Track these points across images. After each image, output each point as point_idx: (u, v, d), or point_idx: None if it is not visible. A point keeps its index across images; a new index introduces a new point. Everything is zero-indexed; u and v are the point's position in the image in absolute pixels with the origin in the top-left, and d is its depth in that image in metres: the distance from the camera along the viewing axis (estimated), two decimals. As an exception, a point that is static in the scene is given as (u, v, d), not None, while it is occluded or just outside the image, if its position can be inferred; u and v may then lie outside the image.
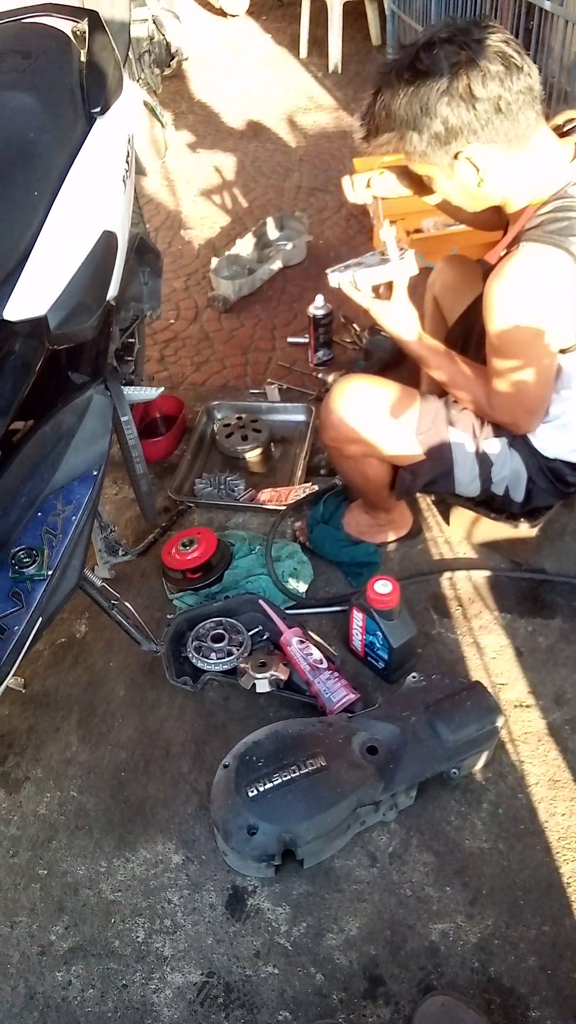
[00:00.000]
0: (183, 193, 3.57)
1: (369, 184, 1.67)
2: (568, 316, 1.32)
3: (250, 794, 1.29)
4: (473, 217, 1.62)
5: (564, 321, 1.33)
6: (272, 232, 3.08)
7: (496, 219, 1.53)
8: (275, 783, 1.30)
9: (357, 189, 1.68)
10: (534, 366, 1.36)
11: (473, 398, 1.50)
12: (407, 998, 1.19)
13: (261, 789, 1.29)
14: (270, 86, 4.52)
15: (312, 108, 4.23)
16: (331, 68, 4.55)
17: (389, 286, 1.51)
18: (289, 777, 1.31)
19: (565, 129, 1.42)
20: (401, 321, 1.51)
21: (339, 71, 4.54)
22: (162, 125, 3.88)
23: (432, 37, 1.25)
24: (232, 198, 3.51)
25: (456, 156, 1.30)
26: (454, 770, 1.39)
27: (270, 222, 3.07)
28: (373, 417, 1.56)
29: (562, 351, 1.39)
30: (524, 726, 1.52)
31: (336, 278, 1.52)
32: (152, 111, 3.79)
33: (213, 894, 1.33)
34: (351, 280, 1.49)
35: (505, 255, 1.36)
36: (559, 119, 1.45)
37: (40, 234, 1.22)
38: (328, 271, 1.54)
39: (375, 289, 1.51)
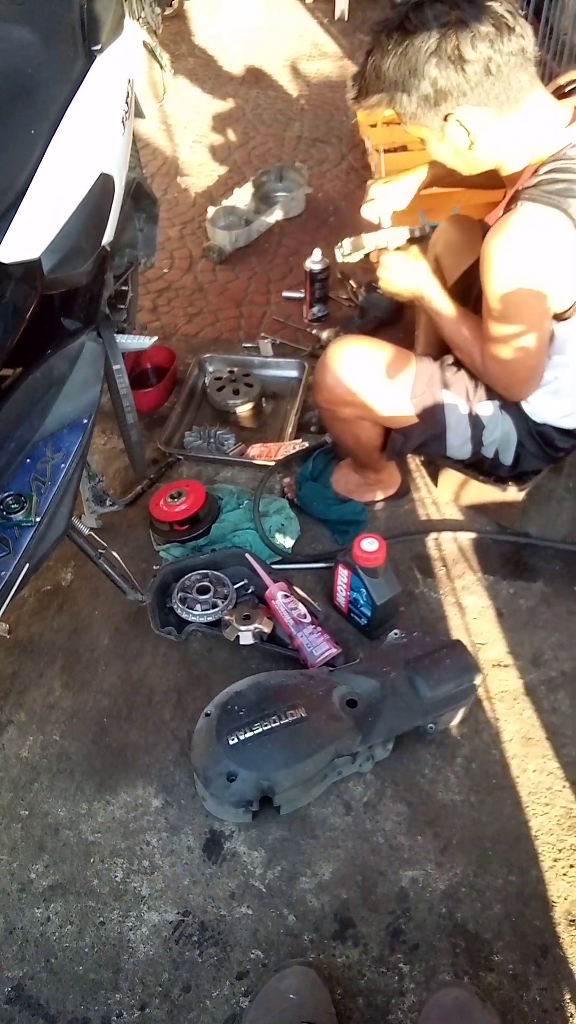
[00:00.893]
0: (180, 139, 3.50)
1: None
2: (564, 278, 1.31)
3: (231, 742, 1.31)
4: (471, 179, 1.60)
5: (560, 283, 1.32)
6: (271, 183, 3.03)
7: (494, 179, 1.52)
8: (255, 732, 1.32)
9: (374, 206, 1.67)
10: (530, 330, 1.36)
11: (470, 360, 1.50)
12: (375, 940, 1.24)
13: (242, 737, 1.32)
14: (273, 31, 4.40)
15: (316, 55, 4.12)
16: (337, 15, 4.43)
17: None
18: (270, 727, 1.33)
19: (567, 89, 1.40)
20: (407, 273, 1.52)
21: (345, 18, 4.42)
22: (161, 67, 3.79)
23: None
24: (231, 146, 3.44)
25: (446, 118, 1.29)
26: (431, 725, 1.42)
27: (269, 172, 3.01)
28: (368, 379, 1.56)
29: (556, 317, 1.38)
30: (501, 685, 1.55)
31: (338, 252, 1.59)
32: (151, 52, 3.69)
33: (191, 837, 1.36)
34: (352, 244, 1.55)
35: (503, 215, 1.35)
36: (562, 79, 1.43)
37: (36, 174, 1.19)
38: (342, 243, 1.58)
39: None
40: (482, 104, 1.25)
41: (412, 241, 1.57)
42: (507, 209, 1.34)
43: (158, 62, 3.72)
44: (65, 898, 1.30)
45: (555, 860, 1.30)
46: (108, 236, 1.47)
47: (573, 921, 1.24)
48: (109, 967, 1.22)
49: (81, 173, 1.31)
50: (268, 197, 3.00)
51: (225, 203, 2.86)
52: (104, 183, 1.38)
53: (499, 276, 1.32)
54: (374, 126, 2.93)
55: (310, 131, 3.51)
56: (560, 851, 1.31)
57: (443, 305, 1.51)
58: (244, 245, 2.82)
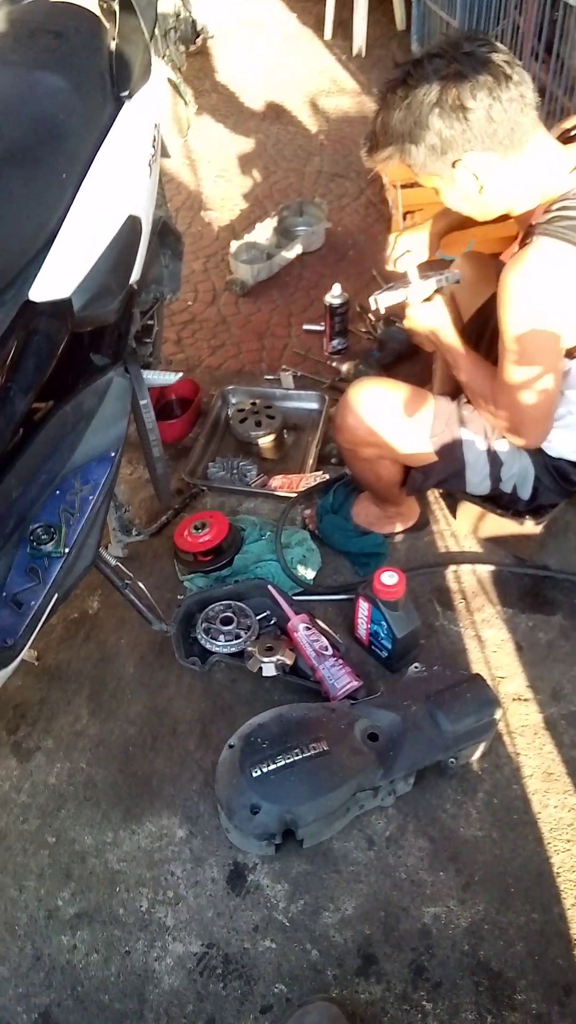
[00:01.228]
0: (204, 173, 3.57)
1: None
2: (574, 317, 1.34)
3: (254, 774, 1.33)
4: (488, 228, 1.64)
5: (574, 317, 1.34)
6: (291, 217, 3.09)
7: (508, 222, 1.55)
8: (278, 764, 1.34)
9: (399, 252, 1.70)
10: (545, 369, 1.38)
11: (485, 405, 1.52)
12: (399, 977, 1.24)
13: (265, 770, 1.33)
14: (293, 67, 4.49)
15: (335, 91, 4.20)
16: (355, 51, 4.52)
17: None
18: (292, 759, 1.34)
19: (572, 133, 1.44)
20: (431, 317, 1.55)
21: (363, 55, 4.51)
22: (185, 103, 3.87)
23: (423, 53, 1.29)
24: (252, 181, 3.51)
25: (454, 164, 1.33)
26: (452, 759, 1.43)
27: (290, 207, 3.07)
28: (389, 420, 1.59)
29: (569, 354, 1.40)
30: (521, 719, 1.56)
31: (372, 300, 1.60)
32: (176, 88, 3.78)
33: (215, 869, 1.37)
34: (374, 300, 1.58)
35: (519, 250, 1.38)
36: (567, 123, 1.47)
37: (67, 217, 1.24)
38: (372, 296, 1.61)
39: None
40: (488, 149, 1.30)
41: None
42: (522, 244, 1.38)
43: (182, 98, 3.81)
44: (91, 926, 1.31)
45: (577, 897, 1.31)
46: (135, 275, 1.52)
47: (596, 959, 1.24)
48: (134, 997, 1.24)
49: (110, 215, 1.36)
50: (289, 231, 3.06)
51: (247, 237, 2.92)
52: (132, 225, 1.43)
53: (516, 309, 1.34)
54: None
55: (329, 166, 3.57)
56: (582, 888, 1.32)
57: (461, 355, 1.54)
58: (266, 278, 2.87)
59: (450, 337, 1.54)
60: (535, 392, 1.39)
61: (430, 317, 1.54)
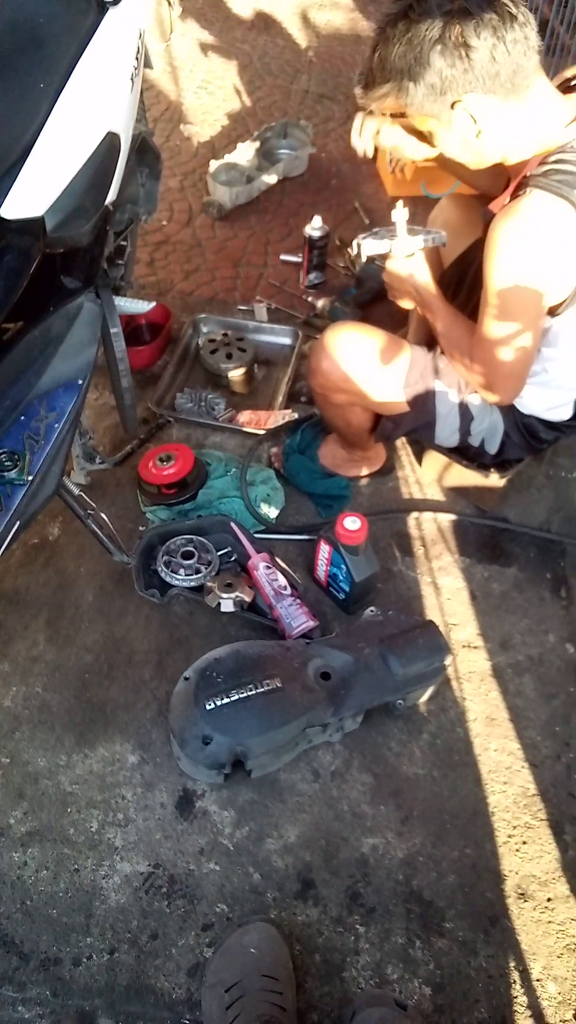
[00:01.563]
0: (185, 83, 3.41)
1: (378, 132, 1.63)
2: (564, 270, 1.32)
3: (208, 707, 1.36)
4: (473, 176, 1.59)
5: (559, 275, 1.33)
6: (274, 139, 2.98)
7: (495, 180, 1.52)
8: (232, 699, 1.37)
9: (364, 135, 1.64)
10: (524, 326, 1.38)
11: (460, 359, 1.52)
12: (335, 902, 1.31)
13: (218, 703, 1.36)
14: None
15: (327, 5, 4.01)
16: (352, -38, 4.29)
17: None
18: (246, 694, 1.38)
19: (573, 84, 1.40)
20: (412, 273, 1.54)
21: (360, -34, 4.29)
22: (169, 4, 3.66)
23: None
24: (236, 95, 3.37)
25: (453, 106, 1.29)
26: (400, 701, 1.48)
27: (274, 128, 2.96)
28: (364, 367, 1.57)
29: (550, 311, 1.40)
30: (470, 665, 1.61)
31: (356, 245, 1.57)
32: (160, -13, 3.57)
33: (165, 794, 1.42)
34: (358, 245, 1.55)
35: (512, 199, 1.36)
36: (568, 72, 1.43)
37: (42, 130, 1.18)
38: (355, 240, 1.58)
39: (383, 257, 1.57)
40: (489, 92, 1.26)
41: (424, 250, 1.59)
42: (514, 195, 1.35)
43: (166, -1, 3.61)
44: (42, 844, 1.35)
45: (509, 836, 1.38)
46: (112, 195, 1.46)
47: (522, 894, 1.32)
48: (81, 912, 1.29)
49: (88, 131, 1.29)
50: (271, 154, 2.95)
51: (227, 158, 2.81)
52: (111, 142, 1.37)
53: (502, 261, 1.32)
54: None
55: (317, 86, 3.44)
56: (514, 828, 1.39)
57: (440, 308, 1.53)
58: (244, 202, 2.78)
59: (429, 293, 1.52)
60: (512, 348, 1.39)
61: (411, 273, 1.53)
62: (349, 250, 2.55)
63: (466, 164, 1.42)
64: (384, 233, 1.55)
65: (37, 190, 1.19)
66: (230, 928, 1.24)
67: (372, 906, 1.30)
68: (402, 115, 1.47)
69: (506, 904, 1.31)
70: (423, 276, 1.53)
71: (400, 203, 1.54)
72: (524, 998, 1.22)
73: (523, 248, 1.30)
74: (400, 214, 1.53)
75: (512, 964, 1.25)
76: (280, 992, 1.13)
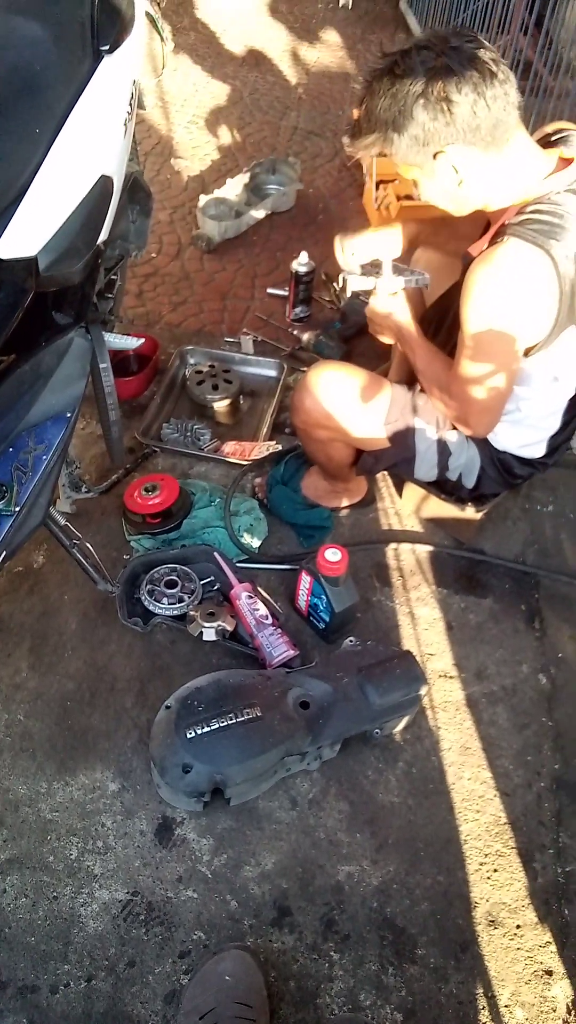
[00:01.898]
0: (176, 118, 3.49)
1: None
2: (538, 316, 1.38)
3: (188, 735, 1.39)
4: (456, 219, 1.66)
5: (534, 321, 1.38)
6: (263, 175, 3.05)
7: (475, 226, 1.58)
8: (212, 727, 1.40)
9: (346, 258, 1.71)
10: (499, 367, 1.43)
11: (438, 395, 1.57)
12: (310, 929, 1.33)
13: (199, 732, 1.39)
14: (277, 13, 4.37)
15: (317, 43, 4.12)
16: (341, 3, 4.42)
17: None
18: (226, 723, 1.40)
19: (553, 139, 1.47)
20: (394, 311, 1.59)
21: (349, 7, 4.41)
22: (162, 39, 3.75)
23: (411, 45, 1.30)
24: (226, 131, 3.45)
25: (435, 156, 1.35)
26: (377, 730, 1.51)
27: (263, 164, 3.03)
28: (345, 405, 1.62)
29: (526, 353, 1.46)
30: (445, 695, 1.64)
31: (342, 279, 1.64)
32: (153, 23, 3.65)
33: (144, 822, 1.44)
34: (343, 280, 1.61)
35: (490, 246, 1.41)
36: (548, 128, 1.49)
37: (38, 173, 1.22)
38: (342, 274, 1.64)
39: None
40: (469, 143, 1.32)
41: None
42: (492, 241, 1.41)
43: (159, 34, 3.69)
44: (21, 872, 1.37)
45: (481, 864, 1.41)
46: (103, 235, 1.50)
47: (492, 922, 1.35)
48: (60, 939, 1.30)
49: (82, 175, 1.34)
50: (260, 189, 3.03)
51: (217, 192, 2.88)
52: (104, 185, 1.41)
53: (478, 305, 1.37)
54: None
55: (306, 123, 3.52)
56: (486, 856, 1.42)
57: (419, 345, 1.58)
58: (233, 236, 2.85)
59: (408, 330, 1.58)
60: (487, 387, 1.44)
61: (393, 311, 1.58)
62: (335, 284, 2.61)
63: (448, 211, 1.48)
64: (371, 270, 1.61)
65: (31, 231, 1.23)
66: (206, 956, 1.26)
67: (347, 933, 1.32)
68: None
69: (476, 931, 1.34)
70: (404, 314, 1.58)
71: (388, 260, 1.61)
72: (493, 1025, 1.25)
73: (498, 294, 1.36)
74: (387, 252, 1.59)
75: (481, 990, 1.28)
76: (253, 1019, 1.15)
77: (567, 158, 1.39)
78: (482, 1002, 1.26)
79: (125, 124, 1.49)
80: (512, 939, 1.33)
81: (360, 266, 1.66)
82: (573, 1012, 1.26)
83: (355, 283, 1.60)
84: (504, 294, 1.35)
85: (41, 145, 1.23)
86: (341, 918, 1.34)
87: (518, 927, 1.34)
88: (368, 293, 1.63)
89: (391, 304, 1.58)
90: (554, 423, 1.60)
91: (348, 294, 1.63)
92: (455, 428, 1.62)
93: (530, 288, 1.34)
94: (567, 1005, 1.27)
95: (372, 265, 1.64)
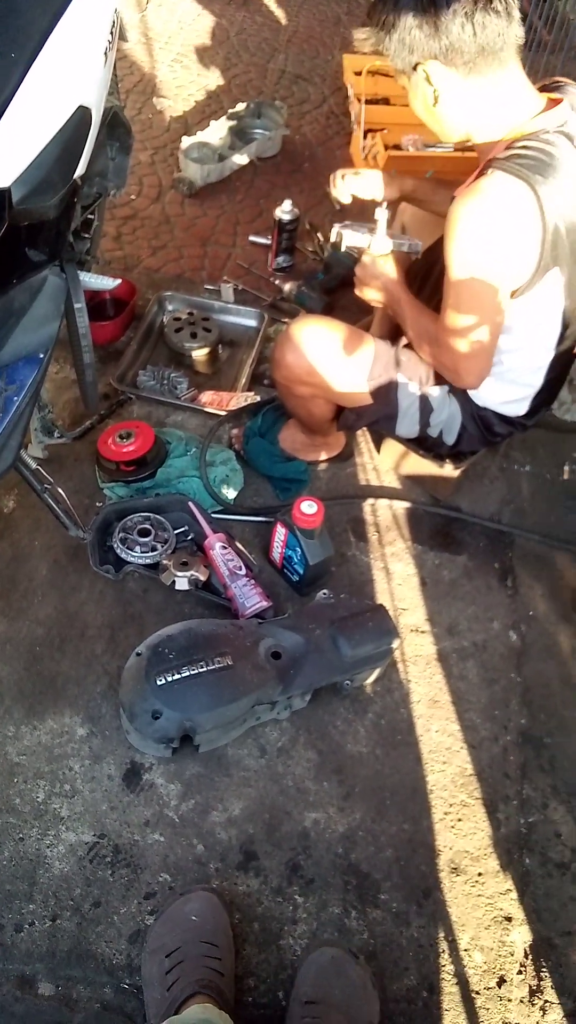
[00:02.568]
0: (160, 56, 3.37)
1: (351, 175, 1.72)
2: (521, 253, 1.34)
3: (158, 682, 1.38)
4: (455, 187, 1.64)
5: (519, 256, 1.35)
6: (248, 119, 2.96)
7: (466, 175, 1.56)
8: (183, 675, 1.39)
9: (341, 187, 1.72)
10: (485, 299, 1.39)
11: (427, 347, 1.55)
12: (275, 873, 1.35)
13: (169, 679, 1.39)
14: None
15: (308, -16, 3.98)
16: None
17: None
18: (197, 671, 1.40)
19: (547, 87, 1.44)
20: (383, 272, 1.61)
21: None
22: (147, -27, 3.62)
23: None
24: (211, 71, 3.34)
25: (415, 68, 1.35)
26: (347, 681, 1.52)
27: (247, 107, 2.95)
28: (328, 360, 1.60)
29: (511, 296, 1.43)
30: (416, 649, 1.65)
31: (336, 232, 1.65)
32: (138, -47, 3.51)
33: (112, 766, 1.44)
34: (338, 234, 1.63)
35: (474, 181, 1.39)
36: (547, 81, 1.47)
37: (12, 101, 1.17)
38: (336, 227, 1.65)
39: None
40: (448, 63, 1.32)
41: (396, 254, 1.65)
42: (478, 177, 1.38)
43: (144, -34, 3.55)
44: (-13, 814, 1.37)
45: (445, 813, 1.43)
46: (80, 169, 1.45)
47: (455, 869, 1.37)
48: (25, 880, 1.31)
49: (59, 104, 1.28)
50: (244, 133, 2.94)
51: (200, 135, 2.79)
52: (81, 116, 1.36)
53: (461, 239, 1.35)
54: (358, 74, 2.88)
55: (294, 66, 3.43)
56: (451, 806, 1.44)
57: (407, 302, 1.57)
58: (215, 181, 2.78)
59: (397, 288, 1.58)
60: (475, 332, 1.42)
61: (383, 271, 1.59)
62: (319, 235, 2.56)
63: (436, 133, 1.47)
64: (363, 228, 1.61)
65: (4, 161, 1.18)
66: (172, 897, 1.27)
67: (311, 877, 1.34)
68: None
69: (439, 878, 1.36)
70: (393, 274, 1.58)
71: (385, 203, 1.60)
72: (452, 967, 1.28)
73: (481, 223, 1.33)
74: (382, 214, 1.59)
75: (442, 935, 1.30)
76: (219, 958, 1.17)
77: (556, 99, 1.37)
78: (443, 946, 1.29)
79: (105, 54, 1.43)
80: (474, 886, 1.36)
81: (345, 222, 1.65)
82: (530, 956, 1.30)
83: (350, 238, 1.61)
84: (487, 223, 1.33)
85: (16, 70, 1.17)
86: (306, 863, 1.36)
87: (480, 875, 1.37)
88: (359, 250, 1.62)
89: (382, 264, 1.57)
90: (537, 380, 1.59)
91: (343, 248, 1.62)
92: (443, 383, 1.60)
93: (513, 221, 1.32)
94: (524, 950, 1.31)
95: (364, 224, 1.63)
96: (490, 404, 1.63)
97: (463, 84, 1.34)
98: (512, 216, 1.31)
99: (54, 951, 1.24)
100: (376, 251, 1.59)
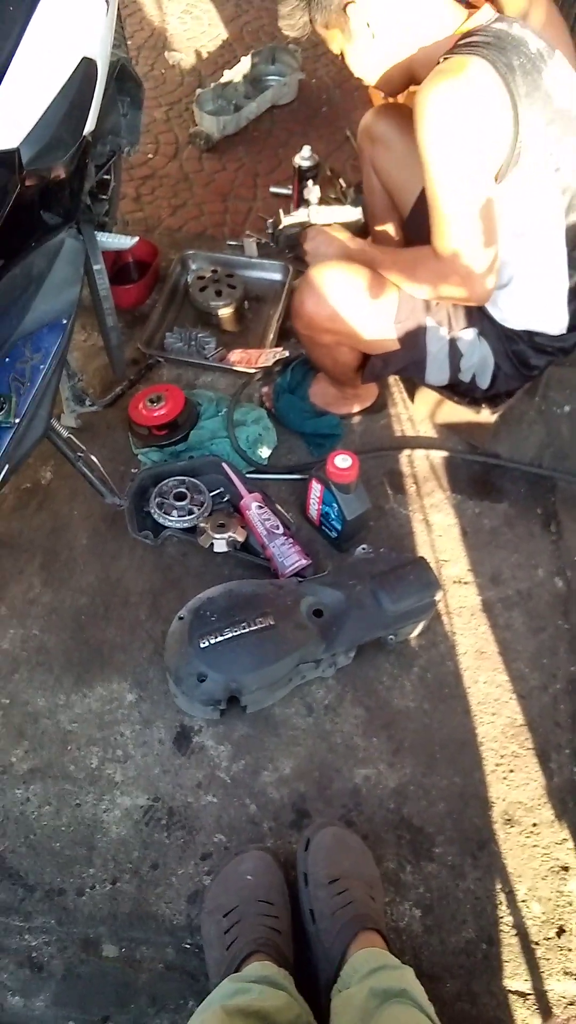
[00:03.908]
0: (170, 8, 3.27)
1: None
2: (495, 123, 1.29)
3: (202, 645, 1.38)
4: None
5: (493, 128, 1.29)
6: (262, 65, 2.87)
7: None
8: (226, 636, 1.39)
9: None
10: (471, 179, 1.33)
11: (422, 266, 1.48)
12: (329, 829, 1.35)
13: (212, 641, 1.38)
14: None
15: None
16: None
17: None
18: (239, 632, 1.39)
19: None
20: (327, 245, 1.64)
21: None
22: None
23: None
24: (223, 20, 3.23)
25: (344, 9, 1.36)
26: (391, 636, 1.50)
27: (262, 54, 2.85)
28: (351, 306, 1.54)
29: (496, 180, 1.35)
30: (460, 601, 1.63)
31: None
32: None
33: (162, 730, 1.45)
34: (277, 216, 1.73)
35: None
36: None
37: (14, 56, 1.14)
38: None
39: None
40: None
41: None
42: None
43: None
44: (44, 781, 1.39)
45: (497, 765, 1.42)
46: (90, 125, 1.41)
47: (509, 820, 1.36)
48: (84, 844, 1.33)
49: (62, 57, 1.24)
50: (259, 81, 2.85)
51: (214, 85, 2.71)
52: (86, 68, 1.31)
53: (431, 122, 1.29)
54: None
55: (307, 7, 3.29)
56: (502, 757, 1.43)
57: (378, 250, 1.58)
58: (232, 133, 2.70)
59: (363, 250, 1.59)
60: (471, 221, 1.35)
61: (334, 238, 1.62)
62: (341, 181, 2.48)
63: (377, 77, 1.48)
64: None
65: (10, 120, 1.15)
66: (228, 857, 1.28)
67: (364, 833, 1.34)
68: None
69: (493, 830, 1.35)
70: (346, 236, 1.60)
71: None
72: (510, 918, 1.27)
73: (447, 100, 1.28)
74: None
75: (498, 886, 1.30)
76: (276, 916, 1.17)
77: (474, 4, 1.39)
78: (500, 897, 1.29)
79: (107, 2, 1.38)
80: (528, 837, 1.35)
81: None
82: (589, 903, 1.29)
83: (287, 218, 1.68)
84: (453, 98, 1.28)
85: (16, 25, 1.13)
86: (359, 819, 1.36)
87: (534, 825, 1.36)
88: (302, 227, 1.62)
89: (328, 233, 1.61)
90: (561, 282, 1.50)
91: (282, 228, 1.62)
92: (469, 327, 1.55)
93: (477, 93, 1.27)
94: (583, 897, 1.29)
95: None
96: (525, 324, 1.54)
97: (391, 4, 1.35)
98: (476, 88, 1.27)
99: (116, 913, 1.27)
100: (319, 221, 1.58)
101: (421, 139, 1.31)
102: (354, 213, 1.58)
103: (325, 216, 1.56)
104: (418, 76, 1.43)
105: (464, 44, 1.31)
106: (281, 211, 1.61)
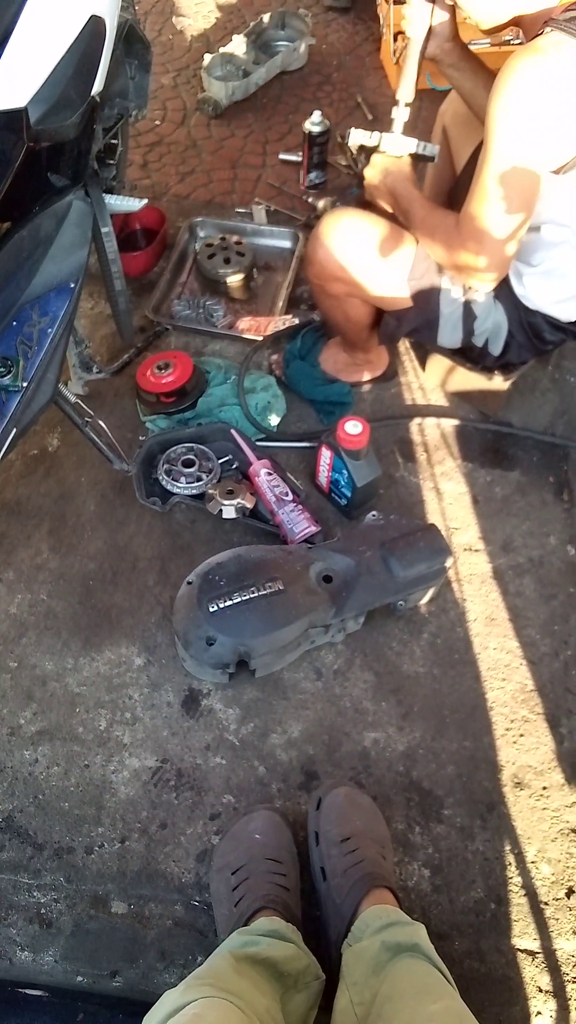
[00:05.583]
0: (177, -30, 3.22)
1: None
2: (573, 121, 1.21)
3: (211, 609, 1.38)
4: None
5: (569, 126, 1.22)
6: (272, 30, 2.82)
7: None
8: (235, 601, 1.38)
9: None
10: (526, 173, 1.27)
11: (443, 231, 1.44)
12: (337, 791, 1.35)
13: (221, 605, 1.38)
14: None
15: None
16: None
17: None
18: (248, 597, 1.39)
19: None
20: (395, 169, 1.54)
21: None
22: None
23: None
24: (231, -17, 3.18)
25: None
26: (401, 602, 1.49)
27: (270, 18, 2.80)
28: (364, 256, 1.52)
29: (557, 170, 1.30)
30: (471, 568, 1.62)
31: (349, 132, 1.61)
32: None
33: (171, 693, 1.45)
34: (349, 133, 1.58)
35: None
36: None
37: (21, 14, 1.12)
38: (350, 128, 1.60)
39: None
40: None
41: (413, 157, 1.57)
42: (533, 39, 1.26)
43: None
44: (52, 743, 1.39)
45: (507, 729, 1.41)
46: (98, 85, 1.39)
47: (518, 783, 1.36)
48: (92, 804, 1.33)
49: (69, 15, 1.22)
50: (268, 46, 2.81)
51: (222, 51, 2.67)
52: (94, 26, 1.29)
53: (511, 96, 1.21)
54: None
55: (317, -30, 3.24)
56: (512, 722, 1.42)
57: (417, 199, 1.50)
58: (241, 99, 2.66)
59: (407, 188, 1.51)
60: (509, 206, 1.30)
61: (393, 172, 1.52)
62: (350, 148, 2.44)
63: (485, 20, 1.34)
64: (378, 131, 1.55)
65: (18, 79, 1.13)
66: (236, 816, 1.29)
67: (373, 795, 1.34)
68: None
69: (503, 792, 1.35)
70: (404, 175, 1.51)
71: (403, 103, 1.50)
72: (519, 879, 1.27)
73: (533, 80, 1.19)
74: (401, 112, 1.51)
75: (508, 848, 1.30)
76: (284, 874, 1.18)
77: None
78: (509, 859, 1.29)
79: (115, -43, 1.36)
80: (538, 800, 1.34)
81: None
82: (598, 866, 1.29)
83: (357, 136, 1.55)
84: (539, 81, 1.19)
85: (23, -19, 1.12)
86: (368, 781, 1.36)
87: (544, 788, 1.36)
88: (372, 151, 1.55)
89: (394, 165, 1.52)
90: None
91: (352, 149, 1.56)
92: (460, 275, 1.51)
93: (568, 83, 1.18)
94: (592, 860, 1.29)
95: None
96: (541, 306, 1.54)
97: None
98: (567, 77, 1.17)
99: (124, 871, 1.28)
100: (389, 149, 1.51)
101: (492, 109, 1.24)
102: (431, 148, 1.52)
103: (398, 146, 1.51)
104: (520, 24, 1.34)
105: (569, 20, 1.19)
106: (353, 128, 1.56)
